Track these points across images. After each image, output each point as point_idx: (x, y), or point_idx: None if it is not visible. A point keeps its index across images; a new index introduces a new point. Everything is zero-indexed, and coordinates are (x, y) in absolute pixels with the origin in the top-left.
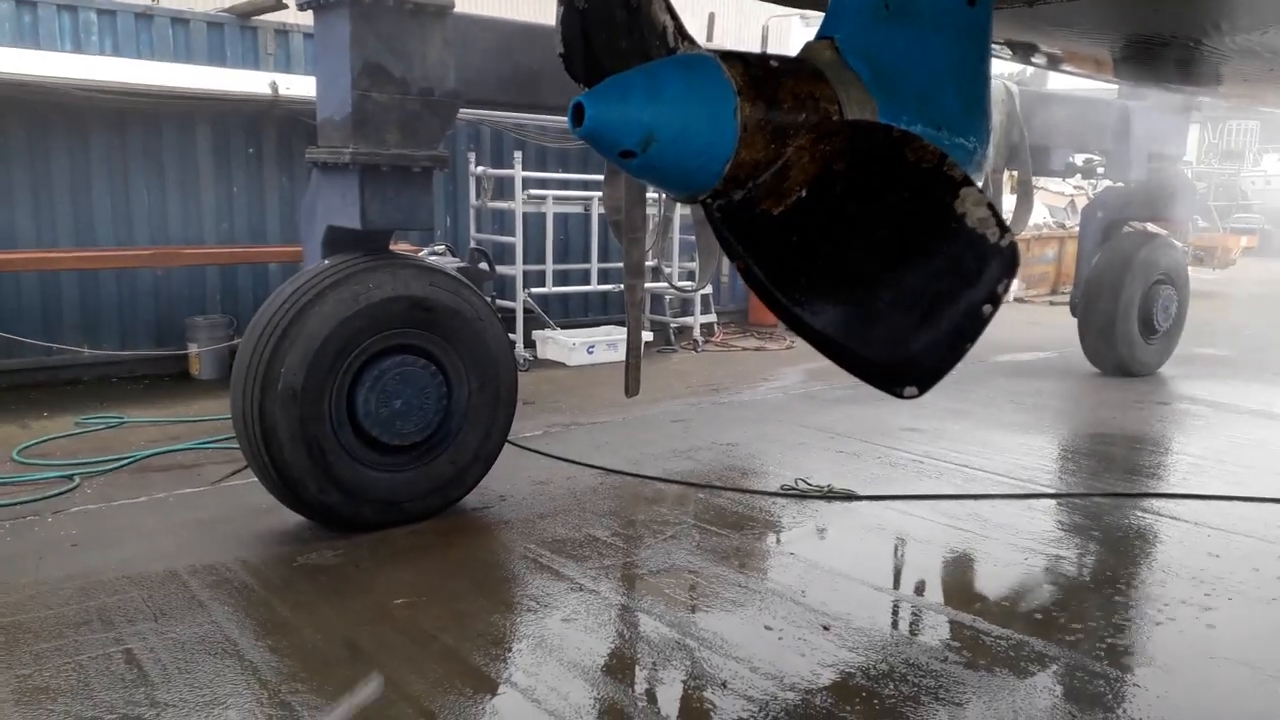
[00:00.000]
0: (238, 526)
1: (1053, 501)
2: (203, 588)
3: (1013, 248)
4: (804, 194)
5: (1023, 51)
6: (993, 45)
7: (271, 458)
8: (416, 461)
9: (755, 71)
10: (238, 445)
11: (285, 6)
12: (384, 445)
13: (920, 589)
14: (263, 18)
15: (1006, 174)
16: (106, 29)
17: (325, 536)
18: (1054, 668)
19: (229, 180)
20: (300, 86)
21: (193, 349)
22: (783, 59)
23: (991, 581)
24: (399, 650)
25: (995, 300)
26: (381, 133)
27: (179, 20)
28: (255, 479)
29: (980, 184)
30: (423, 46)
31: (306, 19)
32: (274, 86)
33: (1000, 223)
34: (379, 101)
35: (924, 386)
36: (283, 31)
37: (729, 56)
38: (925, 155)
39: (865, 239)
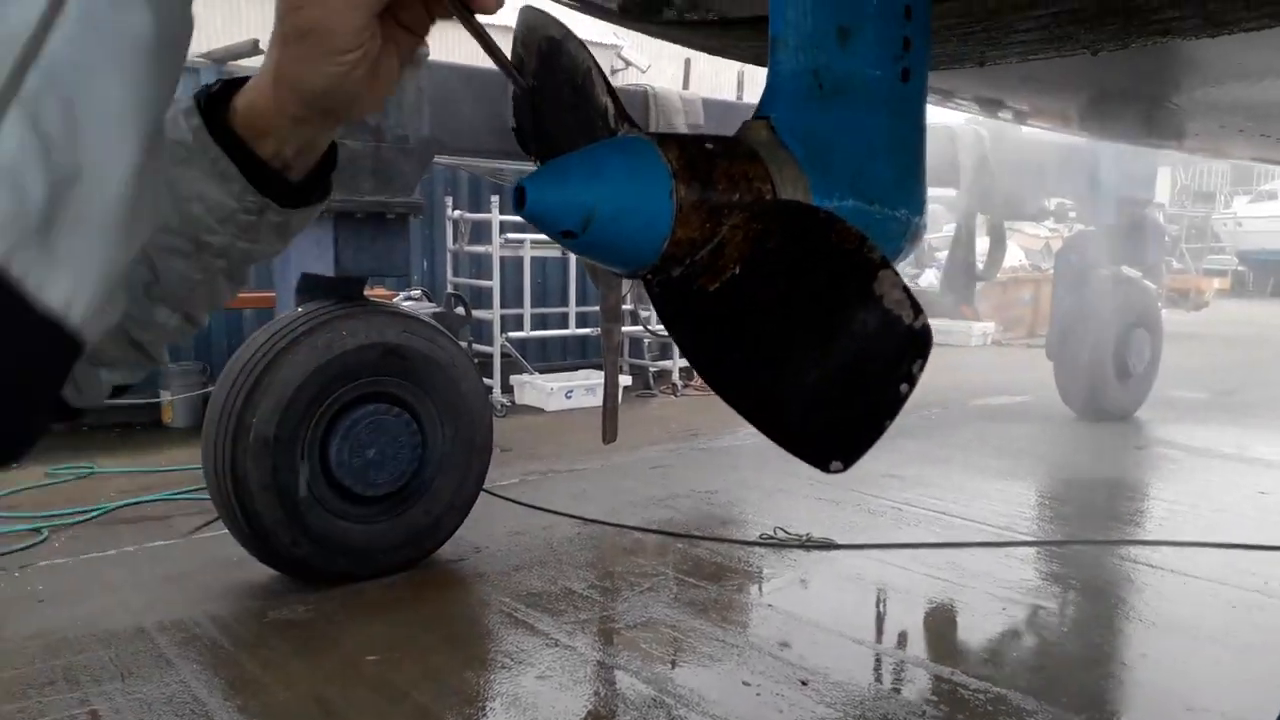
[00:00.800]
0: (208, 580)
1: (1031, 549)
2: (171, 645)
3: (925, 330)
4: (738, 271)
5: (990, 106)
6: (960, 99)
7: (243, 508)
8: (390, 512)
9: (690, 153)
10: (209, 496)
11: (262, 52)
12: (357, 495)
13: (900, 641)
14: (240, 63)
15: (979, 217)
16: None
17: (297, 590)
18: None
19: None
20: None
21: (165, 396)
22: (718, 140)
23: (971, 633)
24: (370, 708)
25: (911, 380)
26: (356, 180)
27: None
28: (226, 531)
29: (912, 252)
30: (398, 94)
31: None
32: None
33: (914, 305)
34: (353, 149)
35: (848, 461)
36: None
37: (665, 139)
38: (847, 237)
39: (793, 316)
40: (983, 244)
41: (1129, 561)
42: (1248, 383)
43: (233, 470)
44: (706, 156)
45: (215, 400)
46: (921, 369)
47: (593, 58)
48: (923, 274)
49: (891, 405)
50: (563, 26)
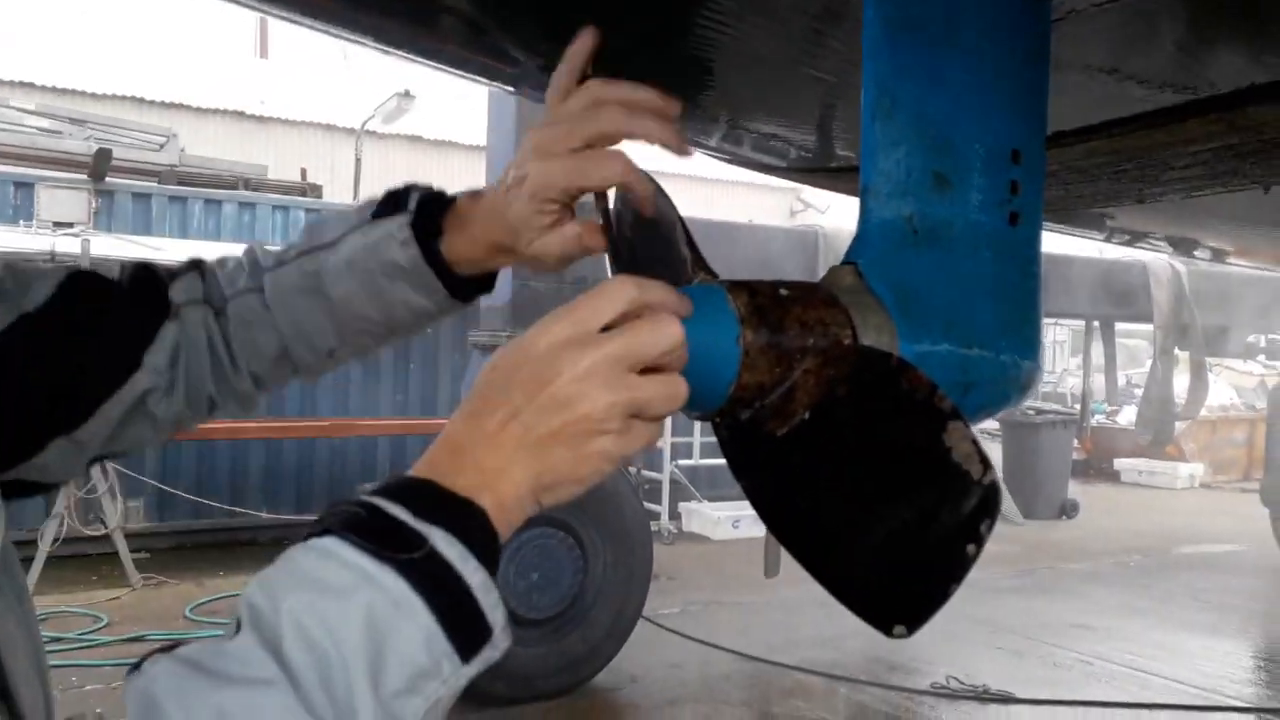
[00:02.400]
0: None
1: (1240, 717)
2: None
3: (994, 487)
4: (806, 416)
5: (1183, 246)
6: (1153, 240)
7: None
8: (550, 637)
9: (761, 300)
10: None
11: None
12: (519, 618)
13: None
14: None
15: (1179, 353)
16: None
17: (457, 709)
18: None
19: (407, 357)
20: None
21: None
22: (795, 285)
23: None
24: None
25: (978, 540)
26: (537, 318)
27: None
28: None
29: (1025, 399)
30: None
31: None
32: None
33: (984, 459)
34: (536, 290)
35: (912, 626)
36: None
37: (736, 286)
38: (918, 384)
39: (860, 465)
40: (1183, 381)
41: None
42: None
43: None
44: (779, 302)
45: None
46: (989, 529)
47: (677, 212)
48: (1121, 411)
49: (958, 567)
50: (655, 183)
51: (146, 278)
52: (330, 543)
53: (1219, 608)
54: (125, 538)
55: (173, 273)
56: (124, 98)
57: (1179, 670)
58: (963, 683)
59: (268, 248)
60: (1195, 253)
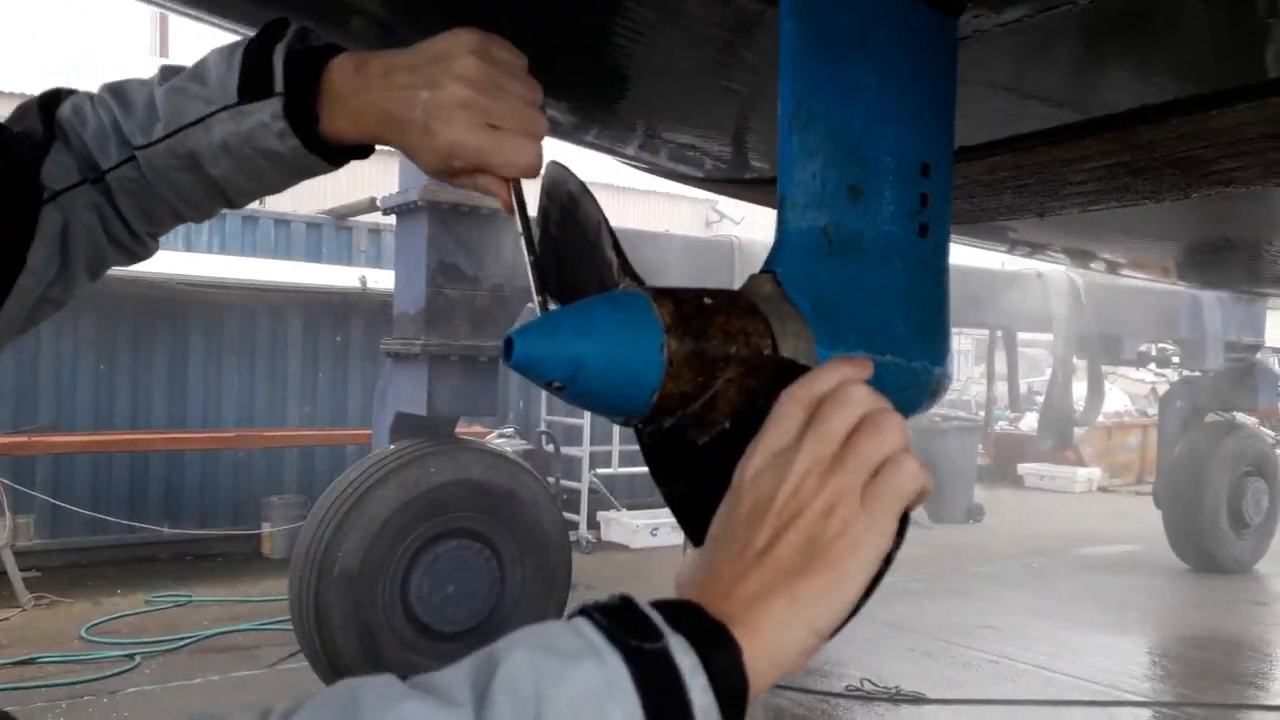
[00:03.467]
0: None
1: (1140, 711)
2: None
3: (903, 517)
4: (727, 425)
5: (1080, 258)
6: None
7: (323, 643)
8: (466, 649)
9: (685, 309)
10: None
11: (379, 209)
12: (435, 632)
13: None
14: (358, 219)
15: (1076, 362)
16: (215, 230)
17: None
18: None
19: (315, 365)
20: (388, 280)
21: (266, 528)
22: (719, 293)
23: None
24: None
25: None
26: (452, 325)
27: (280, 221)
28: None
29: (934, 404)
30: (496, 248)
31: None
32: (363, 280)
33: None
34: (451, 297)
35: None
36: (375, 231)
37: (661, 294)
38: None
39: None
40: (1082, 388)
41: None
42: None
43: (316, 604)
44: (702, 311)
45: (305, 533)
46: (885, 571)
47: (603, 214)
48: (1023, 417)
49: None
50: (580, 183)
51: (11, 166)
52: (579, 620)
53: (1117, 606)
54: (15, 555)
55: (35, 145)
56: (8, 94)
57: (1081, 667)
58: (876, 685)
59: (123, 91)
60: (1091, 265)
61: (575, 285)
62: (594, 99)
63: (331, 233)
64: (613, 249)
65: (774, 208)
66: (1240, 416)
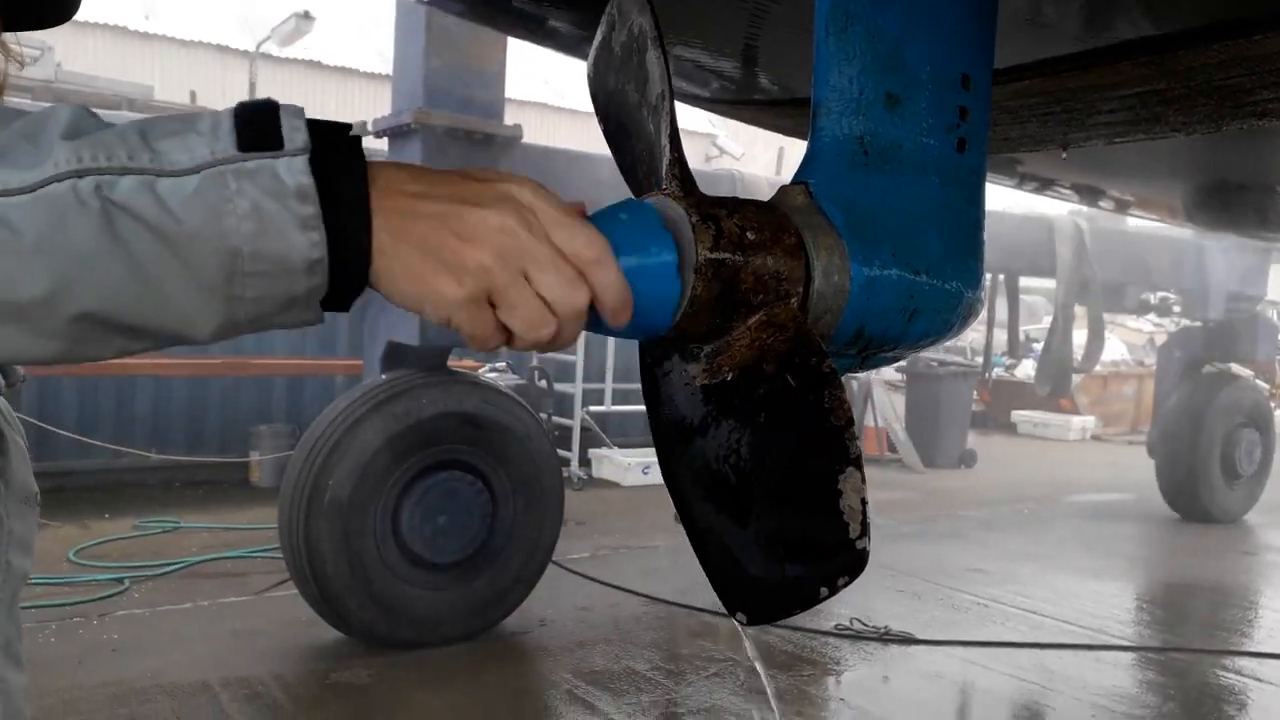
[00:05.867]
0: (275, 639)
1: (1126, 655)
2: (233, 701)
3: (863, 554)
4: (730, 377)
5: (1089, 195)
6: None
7: (313, 570)
8: (458, 581)
9: (724, 245)
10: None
11: (369, 133)
12: (426, 562)
13: None
14: None
15: (1078, 309)
16: None
17: (361, 653)
18: None
19: None
20: None
21: (254, 456)
22: (761, 222)
23: None
24: None
25: (833, 588)
26: None
27: None
28: (296, 591)
29: (965, 329)
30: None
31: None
32: None
33: (863, 523)
34: None
35: (752, 620)
36: None
37: (704, 221)
38: (838, 409)
39: (762, 453)
40: (1081, 336)
41: (1234, 673)
42: None
43: (306, 532)
44: (742, 247)
45: (295, 462)
46: (846, 585)
47: (670, 83)
48: (1020, 364)
49: (805, 600)
50: (654, 23)
51: None
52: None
53: (1107, 553)
54: None
55: None
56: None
57: (1069, 611)
58: (865, 624)
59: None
60: (1100, 203)
61: (622, 155)
62: (598, 8)
63: None
64: (669, 136)
65: (781, 131)
66: (1236, 368)
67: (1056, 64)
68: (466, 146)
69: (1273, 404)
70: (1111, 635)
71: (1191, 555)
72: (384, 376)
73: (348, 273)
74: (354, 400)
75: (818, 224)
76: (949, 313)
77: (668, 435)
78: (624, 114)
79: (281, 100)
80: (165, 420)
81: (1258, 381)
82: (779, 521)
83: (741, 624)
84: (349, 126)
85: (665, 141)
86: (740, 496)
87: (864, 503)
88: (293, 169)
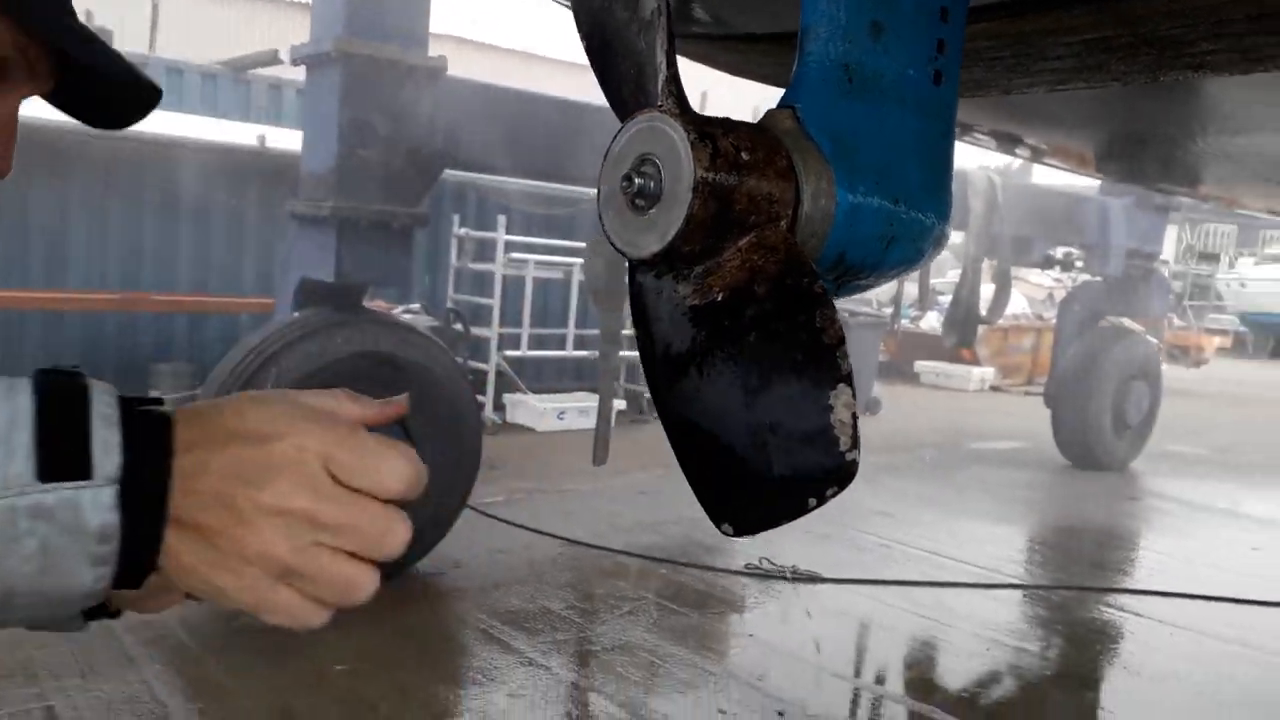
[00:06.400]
0: None
1: (1018, 593)
2: (137, 644)
3: (853, 464)
4: (720, 298)
5: (1007, 142)
6: (978, 134)
7: None
8: None
9: (721, 165)
10: None
11: (281, 62)
12: None
13: (880, 677)
14: (257, 72)
15: (986, 262)
16: None
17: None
18: None
19: (208, 226)
20: (288, 140)
21: (153, 395)
22: (755, 143)
23: (952, 672)
24: (335, 719)
25: (821, 499)
26: (364, 188)
27: (173, 70)
28: None
29: (932, 260)
30: (413, 106)
31: (300, 74)
32: (261, 139)
33: (854, 436)
34: (364, 158)
35: (738, 531)
36: (276, 86)
37: (701, 139)
38: (829, 327)
39: (749, 375)
40: (988, 290)
41: (1116, 609)
42: (1244, 441)
43: None
44: (737, 168)
45: (202, 400)
46: (835, 495)
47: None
48: (924, 316)
49: (794, 510)
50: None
51: None
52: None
53: (1003, 498)
54: None
55: None
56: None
57: (967, 553)
58: (774, 564)
59: None
60: (1016, 150)
61: (611, 75)
62: None
63: (229, 85)
64: (665, 52)
65: (713, 66)
66: (1129, 322)
67: (1016, 6)
68: (390, 77)
69: (1161, 357)
70: (1006, 575)
71: (1081, 500)
72: (296, 314)
73: (126, 582)
74: (266, 338)
75: (806, 148)
76: (922, 241)
77: (657, 354)
78: (610, 31)
79: (189, 30)
80: (57, 357)
81: (1148, 336)
82: (770, 436)
83: (727, 534)
84: (161, 410)
85: (661, 58)
86: (730, 412)
87: (854, 417)
88: (99, 505)
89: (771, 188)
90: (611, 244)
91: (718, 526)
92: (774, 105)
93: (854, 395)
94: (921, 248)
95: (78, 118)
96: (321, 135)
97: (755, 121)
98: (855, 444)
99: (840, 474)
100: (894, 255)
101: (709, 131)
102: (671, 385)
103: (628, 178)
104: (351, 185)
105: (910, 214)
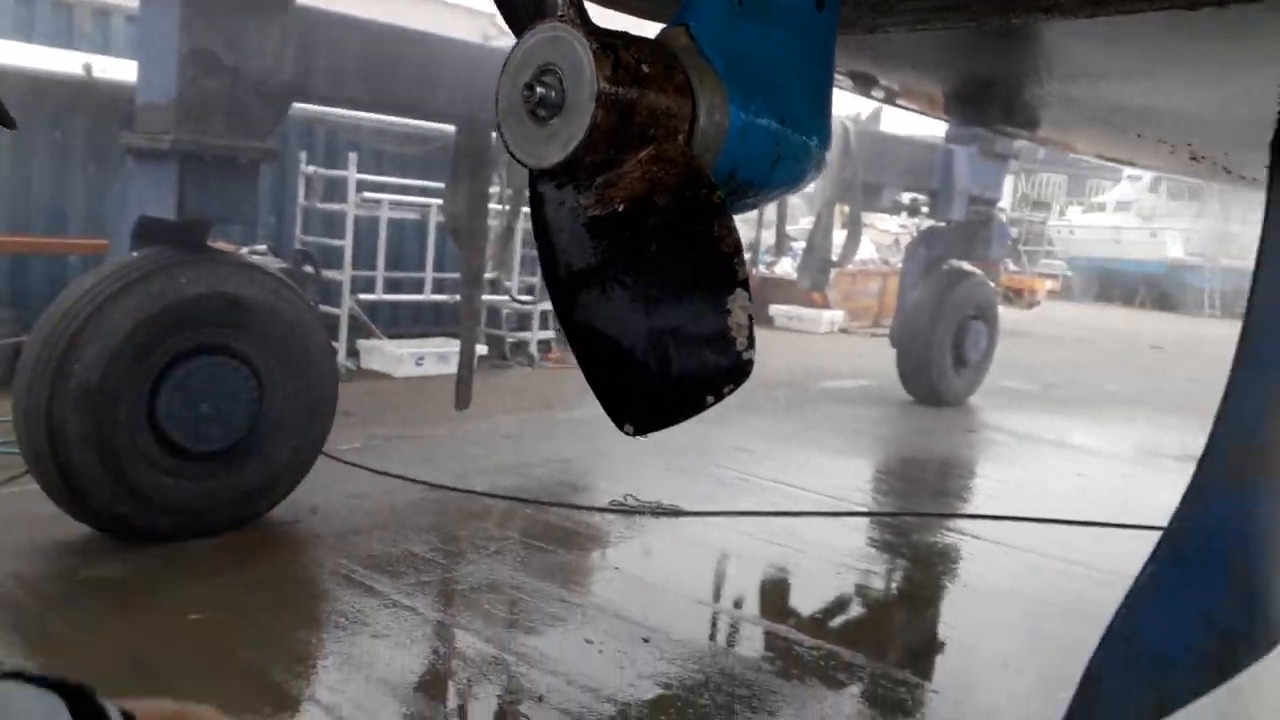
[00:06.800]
0: (13, 537)
1: (865, 520)
2: None
3: (749, 363)
4: (620, 209)
5: (863, 83)
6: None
7: (57, 462)
8: (221, 470)
9: (622, 76)
10: (15, 451)
11: None
12: (186, 451)
13: (738, 602)
14: None
15: (838, 208)
16: None
17: (114, 548)
18: (860, 676)
19: (28, 160)
20: (117, 70)
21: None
22: (653, 57)
23: (806, 595)
24: (192, 668)
25: (718, 396)
26: (207, 121)
27: None
28: (33, 488)
29: (811, 183)
30: (259, 36)
31: (129, 1)
32: (88, 68)
33: (750, 337)
34: (207, 89)
35: (639, 430)
36: (103, 13)
37: (602, 50)
38: (727, 236)
39: (650, 281)
40: (840, 236)
41: (956, 533)
42: (1071, 378)
43: (48, 419)
44: (638, 81)
45: (32, 345)
46: (730, 393)
47: None
48: (779, 262)
49: (691, 406)
50: None
51: None
52: None
53: (851, 433)
54: None
55: None
56: None
57: (817, 484)
58: (638, 500)
59: None
60: (872, 91)
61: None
62: None
63: (47, 9)
64: None
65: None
66: (968, 265)
67: None
68: (234, 6)
69: (997, 298)
70: (854, 503)
71: (923, 434)
72: (135, 254)
73: None
74: (103, 278)
75: (701, 66)
76: (805, 163)
77: (559, 264)
78: None
79: None
80: None
81: (986, 278)
82: (670, 340)
83: (629, 434)
84: None
85: None
86: (631, 319)
87: (750, 319)
88: None
89: (670, 102)
90: (512, 154)
91: (620, 427)
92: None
93: (750, 299)
94: (804, 169)
95: None
96: (159, 65)
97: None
98: (751, 344)
99: (737, 372)
100: (780, 175)
101: (610, 43)
102: (573, 295)
103: (529, 86)
104: (194, 118)
105: (796, 136)
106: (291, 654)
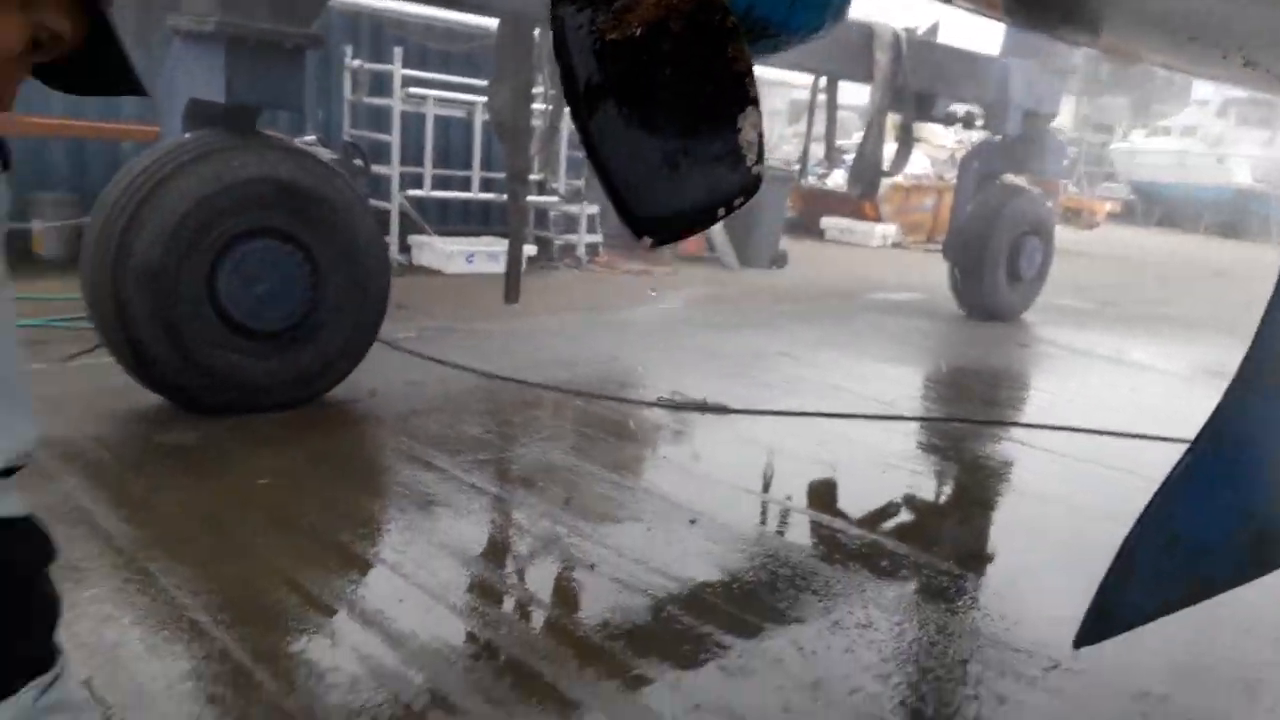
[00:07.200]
0: (91, 404)
1: (914, 424)
2: (52, 459)
3: (758, 177)
4: (638, 33)
5: None
6: None
7: (126, 336)
8: (280, 350)
9: None
10: (89, 324)
11: None
12: (246, 330)
13: (784, 494)
14: None
15: (890, 118)
16: None
17: (185, 418)
18: (904, 565)
19: None
20: None
21: (37, 225)
22: None
23: (852, 491)
24: (262, 527)
25: (729, 208)
26: (251, 4)
27: None
28: (107, 360)
29: (831, 30)
30: None
31: None
32: None
33: (760, 152)
34: None
35: (657, 241)
36: None
37: None
38: (740, 57)
39: (666, 100)
40: (891, 149)
41: (1006, 440)
42: (1128, 298)
43: (115, 296)
44: None
45: (93, 226)
46: (740, 205)
47: None
48: (831, 174)
49: (704, 219)
50: None
51: None
52: None
53: (901, 343)
54: None
55: None
56: None
57: (865, 389)
58: (686, 396)
59: None
60: None
61: None
62: None
63: None
64: None
65: None
66: (1024, 181)
67: None
68: None
69: (1055, 219)
70: (899, 409)
71: (974, 346)
72: (188, 136)
73: None
74: (157, 159)
75: None
76: (823, 10)
77: (579, 85)
78: None
79: None
80: None
81: (1042, 195)
82: (685, 154)
83: (647, 248)
84: None
85: None
86: (648, 136)
87: (760, 135)
88: None
89: None
90: None
91: (637, 238)
92: None
93: (760, 117)
94: (822, 17)
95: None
96: None
97: None
98: (760, 158)
99: (747, 186)
100: (798, 17)
101: None
102: (591, 114)
103: None
104: (237, 1)
105: None
106: (356, 519)
